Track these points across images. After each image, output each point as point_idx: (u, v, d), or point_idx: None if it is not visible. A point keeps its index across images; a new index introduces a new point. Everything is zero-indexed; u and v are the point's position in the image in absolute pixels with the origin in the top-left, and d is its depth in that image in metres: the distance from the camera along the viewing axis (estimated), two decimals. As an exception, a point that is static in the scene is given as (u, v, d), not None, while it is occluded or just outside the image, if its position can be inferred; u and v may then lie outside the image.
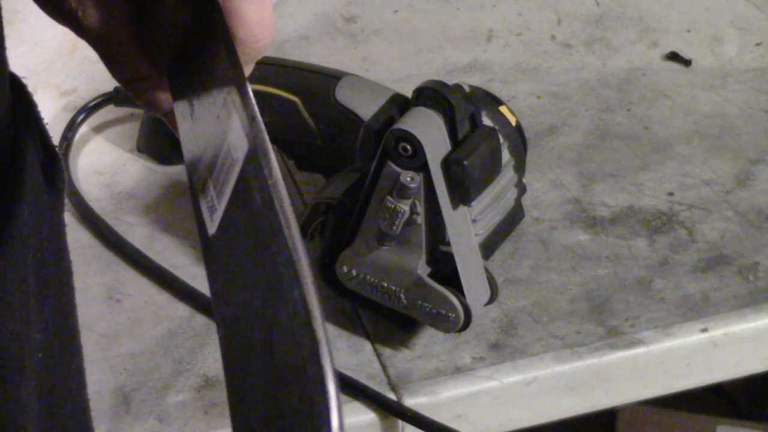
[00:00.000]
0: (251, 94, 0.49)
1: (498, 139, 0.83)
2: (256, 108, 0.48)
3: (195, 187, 0.53)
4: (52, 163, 0.62)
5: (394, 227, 0.80)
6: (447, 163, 0.80)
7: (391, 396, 0.81)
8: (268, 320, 0.44)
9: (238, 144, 0.48)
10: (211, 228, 0.50)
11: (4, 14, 0.57)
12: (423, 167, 0.79)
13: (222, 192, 0.49)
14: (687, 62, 1.11)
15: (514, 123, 0.88)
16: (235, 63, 0.51)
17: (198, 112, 0.54)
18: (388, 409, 0.81)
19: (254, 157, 0.46)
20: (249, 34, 0.54)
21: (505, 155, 0.86)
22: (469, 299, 0.81)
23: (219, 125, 0.50)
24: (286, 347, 0.42)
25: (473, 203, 0.82)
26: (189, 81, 0.56)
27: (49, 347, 0.60)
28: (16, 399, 0.57)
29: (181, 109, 0.56)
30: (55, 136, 0.94)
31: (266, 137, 0.46)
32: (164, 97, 0.58)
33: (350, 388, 0.81)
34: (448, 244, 0.81)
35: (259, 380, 0.45)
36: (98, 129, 1.03)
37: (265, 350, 0.44)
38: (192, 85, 0.55)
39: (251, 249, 0.46)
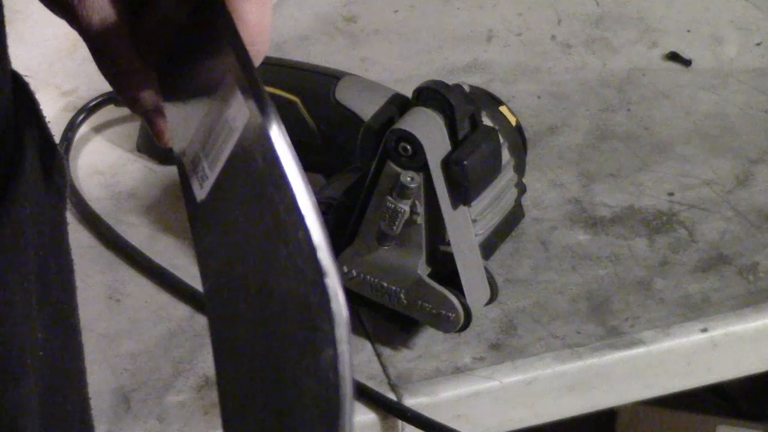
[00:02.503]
0: (258, 76, 0.49)
1: (498, 139, 0.83)
2: (261, 82, 0.48)
3: (186, 169, 0.53)
4: (54, 161, 0.62)
5: (394, 227, 0.80)
6: (447, 163, 0.80)
7: (391, 396, 0.81)
8: (267, 262, 0.45)
9: (238, 114, 0.48)
10: (201, 194, 0.51)
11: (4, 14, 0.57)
12: (423, 167, 0.79)
13: (215, 161, 0.50)
14: (687, 62, 1.11)
15: (514, 123, 0.88)
16: (243, 53, 0.51)
17: (193, 106, 0.54)
18: (388, 409, 0.81)
19: (255, 121, 0.46)
20: (247, 36, 0.53)
21: (505, 155, 0.86)
22: (469, 299, 0.81)
23: (217, 107, 0.51)
24: (286, 284, 0.43)
25: (473, 203, 0.82)
26: (184, 76, 0.56)
27: (51, 346, 0.60)
28: (17, 398, 0.57)
29: (173, 104, 0.56)
30: (56, 136, 0.94)
31: (269, 101, 0.47)
32: (147, 94, 0.57)
33: (350, 388, 0.81)
34: (448, 244, 0.81)
35: (252, 323, 0.46)
36: (98, 129, 1.03)
37: (262, 292, 0.45)
38: (188, 80, 0.55)
39: (249, 203, 0.47)
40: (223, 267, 0.49)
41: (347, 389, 0.40)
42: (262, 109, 0.46)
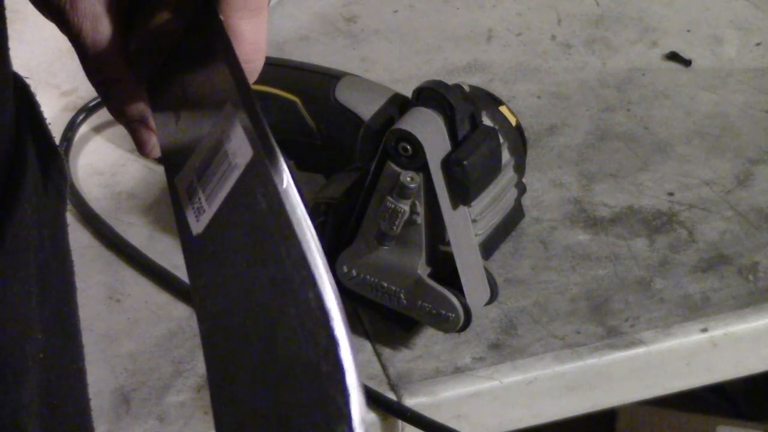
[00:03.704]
0: (257, 104, 0.48)
1: (498, 139, 0.83)
2: (262, 116, 0.47)
3: (180, 196, 0.52)
4: (55, 162, 0.62)
5: (394, 227, 0.80)
6: (447, 163, 0.80)
7: (391, 396, 0.81)
8: (271, 317, 0.43)
9: (239, 151, 0.47)
10: (197, 228, 0.49)
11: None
12: (423, 167, 0.79)
13: (214, 195, 0.48)
14: (687, 62, 1.11)
15: (514, 123, 0.88)
16: (239, 73, 0.51)
17: (186, 121, 0.54)
18: (388, 409, 0.81)
19: (259, 164, 0.45)
20: (243, 54, 0.53)
21: (505, 155, 0.86)
22: (469, 299, 0.81)
23: (214, 132, 0.50)
24: (294, 345, 0.42)
25: (473, 203, 0.82)
26: (176, 89, 0.55)
27: (51, 347, 0.60)
28: (18, 399, 0.57)
29: (163, 117, 0.56)
30: (55, 136, 0.94)
31: (275, 144, 0.46)
32: (133, 104, 0.57)
33: (350, 388, 0.81)
34: (448, 244, 0.81)
35: (254, 375, 0.44)
36: (98, 129, 1.03)
37: (266, 347, 0.43)
38: (179, 93, 0.55)
39: (251, 247, 0.46)
40: (222, 311, 0.48)
41: None
42: (268, 153, 0.45)
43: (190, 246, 0.50)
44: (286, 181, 0.44)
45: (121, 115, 0.57)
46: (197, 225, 0.50)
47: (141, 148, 0.58)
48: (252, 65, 0.54)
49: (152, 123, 0.57)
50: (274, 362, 0.43)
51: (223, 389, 0.47)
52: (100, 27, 0.55)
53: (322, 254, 0.42)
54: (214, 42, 0.52)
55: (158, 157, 0.58)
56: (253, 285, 0.45)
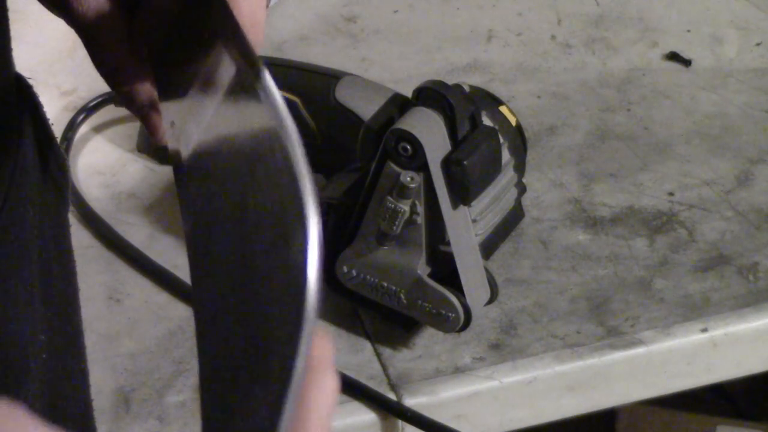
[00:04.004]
0: (252, 46, 0.49)
1: (498, 139, 0.83)
2: (253, 49, 0.48)
3: (180, 154, 0.53)
4: (57, 163, 0.62)
5: (394, 227, 0.80)
6: (447, 163, 0.80)
7: (391, 396, 0.81)
8: (245, 181, 0.45)
9: (224, 73, 0.48)
10: (186, 153, 0.52)
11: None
12: (423, 167, 0.79)
13: (202, 119, 0.50)
14: (687, 62, 1.11)
15: (514, 123, 0.88)
16: (244, 43, 0.51)
17: (189, 98, 0.54)
18: (388, 409, 0.81)
19: (244, 72, 0.46)
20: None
21: (505, 155, 0.86)
22: (469, 299, 0.81)
23: (206, 78, 0.51)
24: (262, 194, 0.43)
25: (473, 203, 0.82)
26: (179, 71, 0.56)
27: (53, 348, 0.60)
28: (20, 400, 0.57)
29: (169, 101, 0.56)
30: (56, 136, 0.94)
31: (257, 58, 0.46)
32: (142, 90, 0.57)
33: (350, 388, 0.81)
34: (448, 244, 0.81)
35: (228, 232, 0.46)
36: (98, 129, 1.03)
37: (239, 206, 0.45)
38: (183, 75, 0.55)
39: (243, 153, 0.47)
40: (205, 204, 0.50)
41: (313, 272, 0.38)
42: (250, 64, 0.46)
43: (181, 175, 0.53)
44: (265, 70, 0.45)
45: (131, 103, 0.58)
46: (186, 151, 0.52)
47: (153, 133, 0.58)
48: (251, 38, 0.54)
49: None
50: (246, 213, 0.44)
51: (201, 260, 0.49)
52: (104, 13, 0.55)
53: (287, 113, 0.42)
54: (211, 14, 0.53)
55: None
56: (231, 169, 0.46)
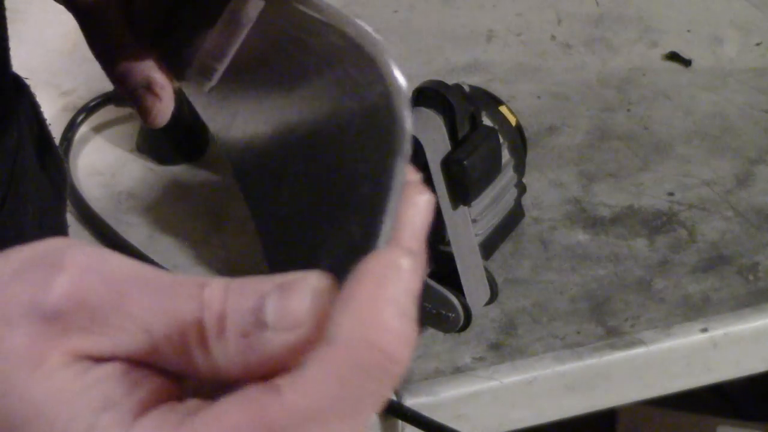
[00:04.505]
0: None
1: (498, 139, 0.83)
2: None
3: (198, 99, 0.54)
4: (55, 164, 0.62)
5: (394, 227, 0.80)
6: (447, 163, 0.80)
7: (391, 396, 0.81)
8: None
9: (251, 10, 0.50)
10: (210, 85, 0.53)
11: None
12: (423, 167, 0.79)
13: (227, 51, 0.52)
14: (687, 62, 1.11)
15: (514, 123, 0.88)
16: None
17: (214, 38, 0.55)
18: (388, 409, 0.81)
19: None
20: None
21: (505, 155, 0.86)
22: (469, 299, 0.81)
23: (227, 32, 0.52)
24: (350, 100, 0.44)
25: (473, 203, 0.82)
26: (186, 45, 0.56)
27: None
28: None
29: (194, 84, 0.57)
30: (55, 136, 0.94)
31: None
32: (136, 70, 0.57)
33: (350, 388, 0.81)
34: (448, 244, 0.81)
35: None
36: (98, 129, 1.03)
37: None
38: (191, 46, 0.55)
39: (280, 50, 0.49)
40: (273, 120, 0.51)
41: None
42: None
43: (208, 101, 0.53)
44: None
45: (123, 83, 0.57)
46: (210, 83, 0.53)
47: (145, 115, 0.58)
48: None
49: (158, 90, 0.57)
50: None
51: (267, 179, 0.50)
52: None
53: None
54: None
55: (163, 126, 0.58)
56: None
